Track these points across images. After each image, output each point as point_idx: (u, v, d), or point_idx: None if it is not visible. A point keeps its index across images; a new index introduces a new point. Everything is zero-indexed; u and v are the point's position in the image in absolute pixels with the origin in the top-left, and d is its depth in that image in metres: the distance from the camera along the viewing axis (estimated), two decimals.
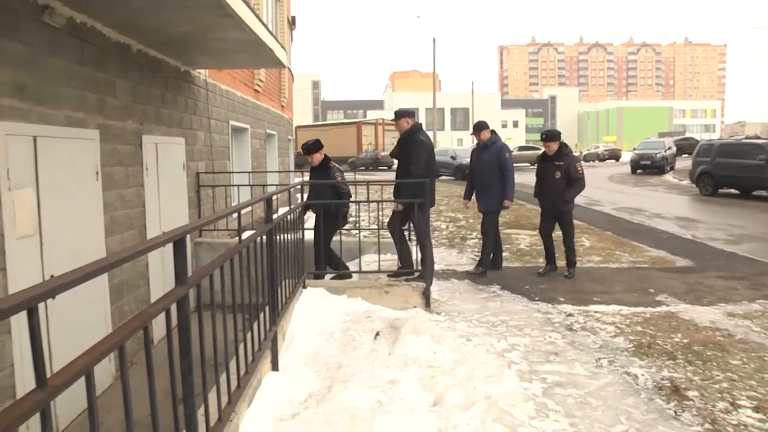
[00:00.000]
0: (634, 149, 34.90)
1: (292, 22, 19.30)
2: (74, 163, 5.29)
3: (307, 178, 8.04)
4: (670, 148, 32.06)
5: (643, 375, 4.46)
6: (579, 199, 8.98)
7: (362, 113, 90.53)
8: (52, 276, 4.75)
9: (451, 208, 15.44)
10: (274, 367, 4.09)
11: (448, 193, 19.94)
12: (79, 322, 5.10)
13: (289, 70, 17.75)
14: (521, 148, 43.72)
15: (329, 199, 7.18)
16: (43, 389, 1.32)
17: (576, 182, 7.75)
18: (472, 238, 10.96)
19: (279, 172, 15.55)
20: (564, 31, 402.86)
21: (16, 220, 4.31)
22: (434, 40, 42.34)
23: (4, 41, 4.09)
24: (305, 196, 6.96)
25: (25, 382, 4.36)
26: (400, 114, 7.14)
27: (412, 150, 6.80)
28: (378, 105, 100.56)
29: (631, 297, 6.78)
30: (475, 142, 8.49)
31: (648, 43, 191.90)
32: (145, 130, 6.67)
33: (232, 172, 10.62)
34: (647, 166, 30.70)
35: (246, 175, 10.93)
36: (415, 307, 6.10)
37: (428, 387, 3.99)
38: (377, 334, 4.94)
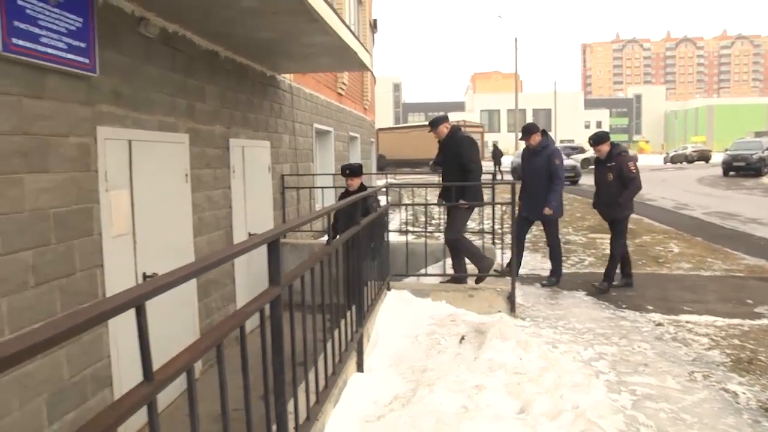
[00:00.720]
0: (726, 150, 32.85)
1: (373, 25, 19.48)
2: (165, 166, 5.51)
3: (391, 180, 8.04)
4: (767, 149, 30.08)
5: (744, 393, 4.18)
6: (666, 203, 8.59)
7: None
8: (144, 273, 4.97)
9: None
10: (359, 368, 4.11)
11: None
12: (170, 317, 5.31)
13: (372, 72, 17.90)
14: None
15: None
16: (150, 383, 1.38)
17: (630, 183, 7.17)
18: None
19: (362, 174, 15.64)
20: (650, 26, 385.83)
21: (113, 220, 4.53)
22: (516, 40, 41.84)
23: (105, 52, 4.31)
24: (385, 198, 7.00)
25: (120, 371, 4.58)
26: (437, 121, 7.08)
27: (461, 149, 6.77)
28: (459, 107, 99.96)
29: (726, 307, 6.37)
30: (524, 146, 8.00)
31: (744, 35, 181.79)
32: (232, 134, 6.88)
33: (316, 174, 10.77)
34: (741, 168, 28.71)
35: (329, 177, 11.08)
36: (500, 311, 6.00)
37: (514, 394, 3.91)
38: (462, 338, 4.89)
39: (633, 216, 14.25)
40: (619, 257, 7.42)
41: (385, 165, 36.19)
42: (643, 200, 18.73)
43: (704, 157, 49.24)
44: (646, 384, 4.35)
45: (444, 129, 6.95)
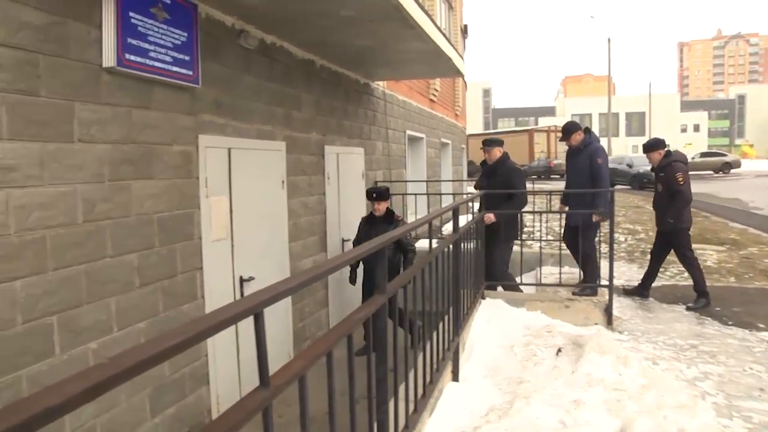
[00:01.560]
0: None
1: (464, 31, 19.39)
2: (263, 173, 5.68)
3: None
4: None
5: None
6: None
7: (533, 120, 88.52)
8: (240, 277, 5.14)
9: (628, 220, 14.58)
10: (455, 377, 4.08)
11: (624, 203, 18.83)
12: (267, 321, 5.46)
13: (463, 78, 17.82)
14: (703, 155, 40.17)
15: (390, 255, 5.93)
16: (266, 388, 1.41)
17: (676, 195, 6.62)
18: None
19: (453, 180, 15.62)
20: (758, 20, 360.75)
21: (212, 225, 4.71)
22: (609, 40, 40.34)
23: (207, 63, 4.50)
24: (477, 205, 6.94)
25: (216, 370, 4.75)
26: (492, 142, 6.93)
27: (512, 178, 6.78)
28: (549, 111, 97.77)
29: None
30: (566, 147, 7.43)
31: None
32: (327, 141, 7.01)
33: (409, 181, 10.82)
34: None
35: (422, 183, 11.09)
36: (596, 324, 5.81)
37: (614, 411, 3.76)
38: (559, 350, 4.76)
39: (737, 225, 13.46)
40: (699, 269, 6.87)
41: (475, 171, 36.02)
42: (747, 208, 17.63)
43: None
44: (763, 411, 4.02)
45: (497, 152, 6.90)
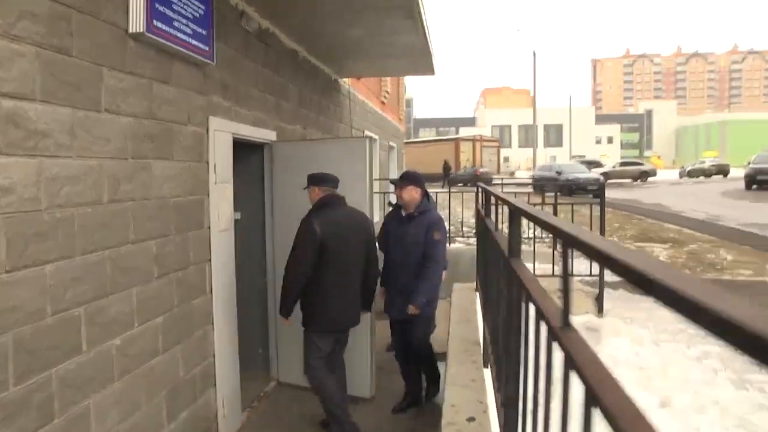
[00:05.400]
0: (749, 163, 31.98)
1: None
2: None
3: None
4: None
5: None
6: (698, 215, 8.37)
7: (454, 130, 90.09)
8: None
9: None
10: (486, 363, 3.94)
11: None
12: None
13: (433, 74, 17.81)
14: (623, 164, 42.39)
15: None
16: None
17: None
18: None
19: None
20: (661, 41, 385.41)
21: (220, 214, 4.41)
22: (534, 54, 41.76)
23: (216, 42, 4.19)
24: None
25: (222, 371, 4.43)
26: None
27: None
28: (470, 122, 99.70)
29: None
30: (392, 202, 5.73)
31: (756, 50, 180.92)
32: (307, 135, 6.77)
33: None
34: (765, 182, 28.06)
35: (375, 183, 10.90)
36: (587, 312, 5.87)
37: (649, 389, 3.77)
38: None
39: (672, 226, 14.09)
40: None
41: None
42: (673, 211, 18.47)
43: (723, 171, 48.38)
44: None
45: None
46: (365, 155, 5.19)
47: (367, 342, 5.20)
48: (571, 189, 26.76)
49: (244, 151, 5.24)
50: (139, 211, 3.37)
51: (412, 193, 4.95)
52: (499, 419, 2.22)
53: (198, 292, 4.13)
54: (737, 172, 32.50)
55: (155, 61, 3.48)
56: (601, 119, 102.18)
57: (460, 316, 4.83)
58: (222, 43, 4.36)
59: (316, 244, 4.23)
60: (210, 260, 4.28)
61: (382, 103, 13.22)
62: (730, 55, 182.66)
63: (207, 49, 3.91)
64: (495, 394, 2.50)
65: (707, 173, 48.46)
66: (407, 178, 5.06)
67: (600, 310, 6.00)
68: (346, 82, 9.00)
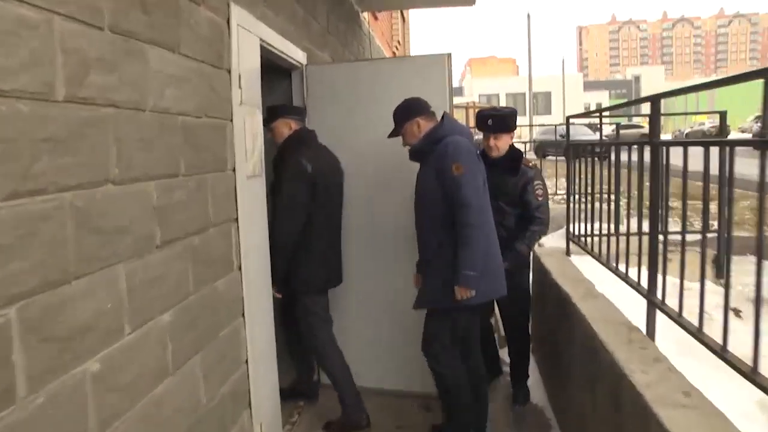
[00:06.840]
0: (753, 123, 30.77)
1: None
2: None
3: None
4: None
5: None
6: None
7: None
8: None
9: None
10: None
11: None
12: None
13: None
14: (624, 126, 41.13)
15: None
16: None
17: None
18: None
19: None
20: (646, 7, 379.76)
21: (246, 152, 2.94)
22: (528, 16, 40.07)
23: None
24: None
25: (258, 385, 2.98)
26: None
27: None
28: (457, 92, 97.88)
29: None
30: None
31: (742, 14, 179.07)
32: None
33: None
34: None
35: None
36: None
37: None
38: None
39: (699, 183, 12.99)
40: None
41: None
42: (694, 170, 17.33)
43: (723, 132, 47.33)
44: None
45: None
46: (444, 79, 3.78)
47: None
48: (578, 152, 25.41)
49: (265, 77, 3.71)
50: (127, 126, 1.90)
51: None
52: None
53: (223, 269, 2.67)
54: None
55: None
56: (589, 86, 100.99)
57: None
58: None
59: (308, 184, 3.44)
60: (237, 220, 2.82)
61: (393, 53, 11.76)
62: (716, 19, 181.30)
63: None
64: None
65: (708, 135, 47.44)
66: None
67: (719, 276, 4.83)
68: (366, 21, 7.53)
